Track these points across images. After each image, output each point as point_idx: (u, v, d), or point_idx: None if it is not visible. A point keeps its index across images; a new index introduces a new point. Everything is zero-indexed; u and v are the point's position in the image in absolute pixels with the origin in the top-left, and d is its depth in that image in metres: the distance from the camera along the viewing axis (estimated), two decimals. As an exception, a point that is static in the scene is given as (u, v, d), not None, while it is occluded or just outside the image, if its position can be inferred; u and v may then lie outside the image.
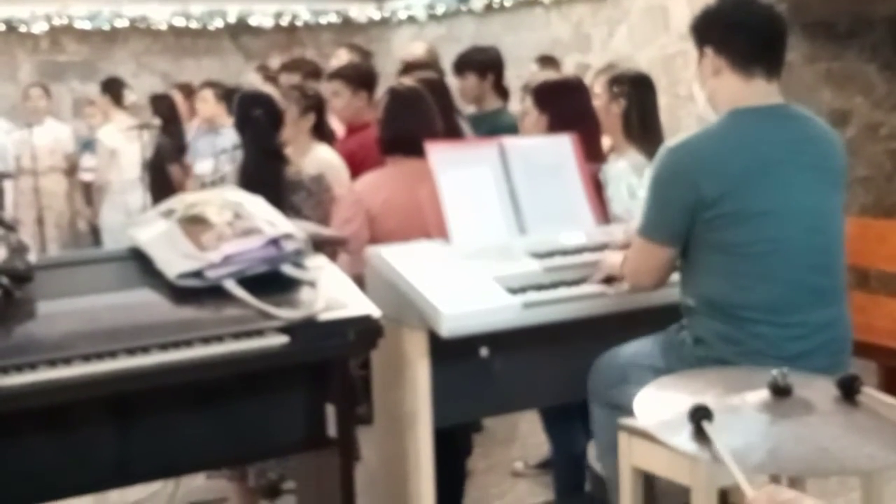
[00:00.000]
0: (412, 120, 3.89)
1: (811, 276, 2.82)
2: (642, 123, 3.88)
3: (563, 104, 4.09)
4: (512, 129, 4.84)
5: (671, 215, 2.86)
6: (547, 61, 6.68)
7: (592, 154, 3.89)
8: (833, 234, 2.90)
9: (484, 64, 5.64)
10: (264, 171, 4.10)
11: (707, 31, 2.94)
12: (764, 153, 2.81)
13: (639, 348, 3.10)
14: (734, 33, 2.88)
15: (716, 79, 2.91)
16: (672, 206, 2.85)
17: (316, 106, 4.74)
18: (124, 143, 7.70)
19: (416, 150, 3.74)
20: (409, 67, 5.44)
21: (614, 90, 3.92)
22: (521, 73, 6.89)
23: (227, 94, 6.97)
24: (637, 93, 3.92)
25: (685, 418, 1.97)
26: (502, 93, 5.77)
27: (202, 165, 6.83)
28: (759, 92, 2.87)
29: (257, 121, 4.17)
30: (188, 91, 8.26)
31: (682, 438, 2.00)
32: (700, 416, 1.95)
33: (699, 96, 3.05)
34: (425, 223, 3.52)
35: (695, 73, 3.05)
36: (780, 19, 2.94)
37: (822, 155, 2.91)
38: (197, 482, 4.43)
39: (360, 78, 5.26)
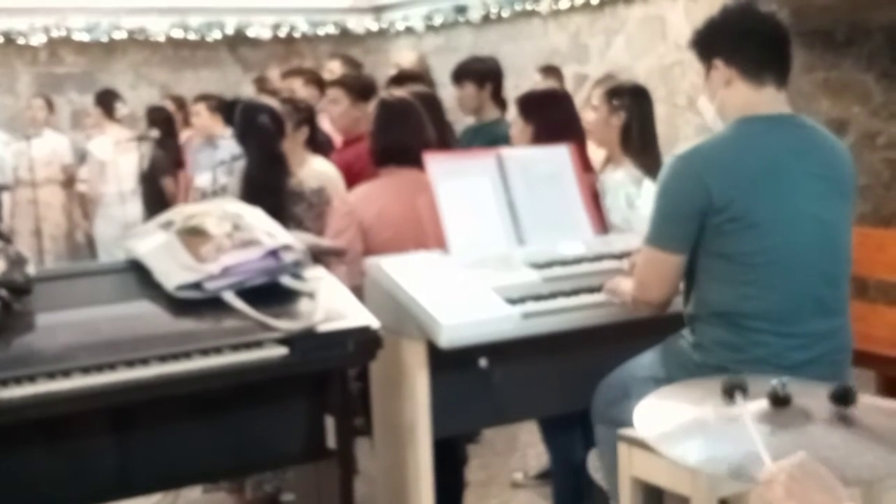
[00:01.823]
0: (403, 130, 3.89)
1: (816, 286, 2.81)
2: (641, 136, 3.88)
3: (547, 115, 4.10)
4: (510, 139, 4.85)
5: (681, 221, 2.83)
6: (549, 71, 6.69)
7: (580, 165, 3.89)
8: (839, 244, 2.88)
9: (482, 73, 5.64)
10: (269, 177, 4.11)
11: (715, 42, 2.92)
12: (772, 160, 2.80)
13: (638, 362, 3.08)
14: (744, 42, 2.86)
15: (727, 89, 2.88)
16: (682, 211, 2.82)
17: (308, 118, 4.75)
18: (116, 155, 7.70)
19: (408, 161, 3.75)
20: (398, 79, 5.45)
21: (614, 103, 3.91)
22: (518, 83, 6.90)
23: (222, 106, 6.99)
24: (636, 105, 3.92)
25: (686, 429, 1.97)
26: (501, 103, 5.78)
27: (201, 178, 6.83)
28: (770, 100, 2.86)
29: (263, 126, 4.18)
30: (180, 103, 8.27)
31: (682, 450, 2.00)
32: (734, 387, 1.99)
33: (707, 110, 3.02)
34: (420, 234, 3.52)
35: (703, 87, 3.01)
36: (784, 26, 2.92)
37: (829, 164, 2.89)
38: (194, 495, 4.42)
39: (361, 89, 5.27)
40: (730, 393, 2.01)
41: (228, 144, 5.59)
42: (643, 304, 3.04)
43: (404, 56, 7.02)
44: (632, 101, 3.91)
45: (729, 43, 2.88)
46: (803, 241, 2.79)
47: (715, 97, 2.95)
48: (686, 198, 2.81)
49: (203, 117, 7.25)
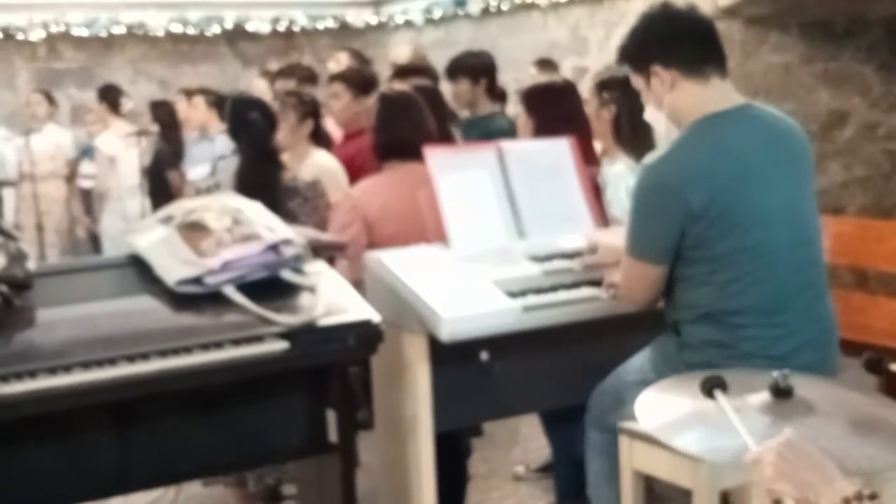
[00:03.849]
0: (405, 124, 3.89)
1: (797, 273, 2.81)
2: (632, 129, 3.85)
3: (550, 108, 4.10)
4: (505, 132, 4.86)
5: (661, 232, 2.80)
6: (545, 64, 6.69)
7: (584, 157, 3.88)
8: (811, 227, 2.89)
9: (476, 69, 5.65)
10: (261, 174, 4.10)
11: (647, 50, 2.89)
12: (739, 159, 2.78)
13: (628, 366, 3.07)
14: (677, 42, 2.84)
15: (673, 92, 2.85)
16: (661, 222, 2.80)
17: (313, 112, 4.75)
18: (123, 151, 7.70)
19: (411, 154, 3.75)
20: (403, 72, 5.44)
21: (604, 96, 3.89)
22: (518, 76, 6.90)
23: (219, 101, 6.99)
24: (627, 97, 3.89)
25: (686, 420, 1.97)
26: (495, 97, 5.79)
27: (195, 172, 6.82)
28: (719, 93, 2.84)
29: (254, 123, 4.17)
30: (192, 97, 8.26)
31: (684, 440, 2.00)
32: (712, 384, 2.00)
33: (658, 121, 3.00)
34: (423, 227, 3.52)
35: (648, 98, 2.95)
36: (706, 18, 2.95)
37: (792, 149, 2.89)
38: (195, 489, 4.42)
39: (363, 83, 5.28)
40: (709, 392, 2.01)
41: (225, 139, 5.60)
42: (630, 304, 3.05)
43: (401, 52, 7.01)
44: (621, 94, 3.88)
45: (662, 47, 2.85)
46: (780, 232, 2.78)
47: (662, 104, 2.90)
48: (663, 209, 2.78)
49: (200, 110, 7.24)
